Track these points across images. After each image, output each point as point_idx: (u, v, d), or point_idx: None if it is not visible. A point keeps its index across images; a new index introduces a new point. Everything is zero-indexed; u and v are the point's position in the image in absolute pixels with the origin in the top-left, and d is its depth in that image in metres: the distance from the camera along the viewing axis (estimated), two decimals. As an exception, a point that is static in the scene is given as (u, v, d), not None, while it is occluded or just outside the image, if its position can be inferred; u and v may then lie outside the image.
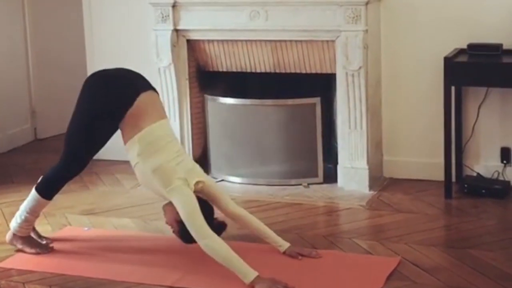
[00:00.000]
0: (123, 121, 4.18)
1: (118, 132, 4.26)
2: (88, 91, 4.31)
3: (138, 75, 4.38)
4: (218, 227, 4.07)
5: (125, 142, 4.24)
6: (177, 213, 4.03)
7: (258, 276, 3.83)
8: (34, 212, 4.41)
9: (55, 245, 4.52)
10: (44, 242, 4.50)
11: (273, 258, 4.14)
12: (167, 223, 4.23)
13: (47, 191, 4.39)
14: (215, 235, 3.94)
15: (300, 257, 4.21)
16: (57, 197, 5.34)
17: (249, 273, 3.83)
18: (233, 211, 4.26)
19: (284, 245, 4.25)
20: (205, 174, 4.30)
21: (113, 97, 4.22)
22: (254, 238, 4.21)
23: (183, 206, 4.00)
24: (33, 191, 4.40)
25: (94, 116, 4.22)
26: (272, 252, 4.19)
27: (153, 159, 4.10)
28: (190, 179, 4.10)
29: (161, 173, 4.08)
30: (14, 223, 4.44)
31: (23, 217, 4.40)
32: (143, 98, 4.20)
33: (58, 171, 4.34)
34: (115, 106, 4.19)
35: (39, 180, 4.42)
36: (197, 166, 4.27)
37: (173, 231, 4.19)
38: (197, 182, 4.14)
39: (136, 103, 4.16)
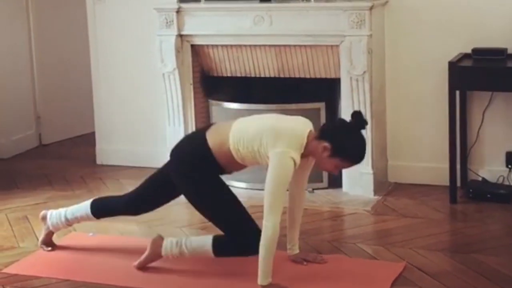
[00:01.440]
0: (222, 164, 4.07)
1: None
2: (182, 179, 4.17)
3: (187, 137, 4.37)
4: None
5: (243, 166, 4.10)
6: None
7: (270, 283, 3.86)
8: (75, 222, 4.55)
9: (61, 251, 4.52)
10: (48, 248, 4.54)
11: (278, 263, 4.13)
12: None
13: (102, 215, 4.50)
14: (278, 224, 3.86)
15: (305, 263, 4.21)
16: (62, 203, 5.37)
17: (268, 278, 3.85)
18: (300, 188, 4.18)
19: (295, 250, 4.26)
20: None
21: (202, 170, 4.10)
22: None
23: (279, 174, 3.84)
24: (89, 206, 4.46)
25: (208, 191, 4.10)
26: (278, 257, 4.18)
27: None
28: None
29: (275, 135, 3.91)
30: (58, 218, 4.51)
31: (68, 220, 4.50)
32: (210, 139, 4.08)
33: None
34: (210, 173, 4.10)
35: (98, 204, 4.47)
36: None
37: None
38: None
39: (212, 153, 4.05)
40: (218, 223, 4.09)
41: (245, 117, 4.17)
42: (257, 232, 3.91)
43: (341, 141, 3.90)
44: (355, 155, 3.94)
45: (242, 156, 3.98)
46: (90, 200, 4.49)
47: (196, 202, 4.13)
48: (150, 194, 4.33)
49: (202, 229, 4.72)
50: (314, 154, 3.95)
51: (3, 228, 4.97)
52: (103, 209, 4.45)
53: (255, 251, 3.86)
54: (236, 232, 4.01)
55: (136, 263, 4.22)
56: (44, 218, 4.56)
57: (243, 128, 4.00)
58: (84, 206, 4.47)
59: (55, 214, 4.54)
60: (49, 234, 4.57)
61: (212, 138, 4.05)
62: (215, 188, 4.08)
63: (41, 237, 4.59)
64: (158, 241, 4.18)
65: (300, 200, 4.20)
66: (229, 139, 3.99)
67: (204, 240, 4.10)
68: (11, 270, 4.30)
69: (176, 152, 4.19)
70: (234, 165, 4.09)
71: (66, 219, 4.50)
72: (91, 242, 4.68)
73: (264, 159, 3.92)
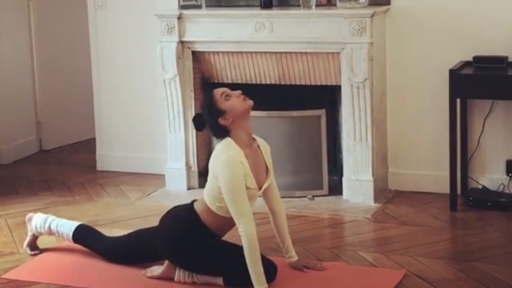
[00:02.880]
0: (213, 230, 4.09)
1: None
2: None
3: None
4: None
5: (231, 222, 4.01)
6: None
7: None
8: (55, 234, 4.55)
9: (60, 257, 4.52)
10: (32, 252, 4.57)
11: (278, 270, 4.12)
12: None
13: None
14: (252, 218, 3.89)
15: (305, 270, 4.20)
16: (62, 209, 5.38)
17: (263, 283, 3.85)
18: (275, 203, 4.20)
19: (294, 257, 4.25)
20: None
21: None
22: (261, 249, 4.19)
23: (227, 178, 3.89)
24: (74, 228, 4.47)
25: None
26: (278, 264, 4.18)
27: None
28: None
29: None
30: (42, 223, 4.52)
31: (50, 229, 4.51)
32: None
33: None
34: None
35: (82, 231, 4.49)
36: None
37: None
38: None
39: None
40: (224, 269, 4.06)
41: None
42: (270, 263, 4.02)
43: (205, 112, 4.07)
44: (210, 99, 4.04)
45: (223, 207, 3.98)
46: (77, 224, 4.51)
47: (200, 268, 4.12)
48: (133, 253, 4.31)
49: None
50: (236, 122, 3.99)
51: (3, 233, 4.96)
52: (83, 238, 4.48)
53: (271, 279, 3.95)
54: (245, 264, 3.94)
55: (148, 274, 4.21)
56: (29, 220, 4.58)
57: (206, 189, 4.06)
58: (69, 226, 4.50)
59: (41, 218, 4.55)
60: (33, 237, 4.58)
61: (199, 208, 4.07)
62: (210, 249, 4.06)
63: (26, 239, 4.60)
64: (172, 266, 4.15)
65: (277, 207, 4.21)
66: (206, 201, 4.03)
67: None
68: (11, 275, 4.30)
69: (168, 234, 4.13)
70: (224, 225, 4.06)
71: (49, 228, 4.52)
72: (90, 248, 4.68)
73: None
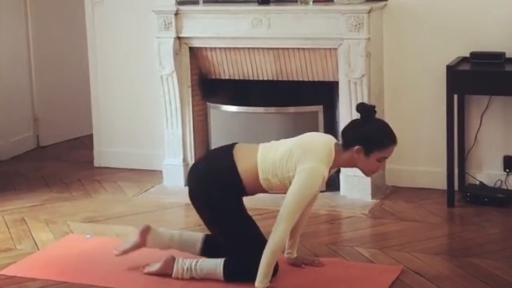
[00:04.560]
0: (248, 190, 4.02)
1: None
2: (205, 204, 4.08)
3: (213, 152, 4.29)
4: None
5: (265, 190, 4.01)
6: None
7: (267, 286, 3.85)
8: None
9: (57, 253, 4.52)
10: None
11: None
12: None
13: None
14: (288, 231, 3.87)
15: (303, 266, 4.21)
16: (61, 204, 5.38)
17: (266, 281, 3.84)
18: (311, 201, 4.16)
19: (293, 254, 4.26)
20: None
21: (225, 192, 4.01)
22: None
23: (305, 189, 3.83)
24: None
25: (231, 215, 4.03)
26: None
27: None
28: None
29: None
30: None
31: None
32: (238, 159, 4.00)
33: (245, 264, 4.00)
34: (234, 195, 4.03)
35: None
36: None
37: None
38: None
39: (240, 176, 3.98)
40: (236, 247, 4.03)
41: (269, 142, 4.10)
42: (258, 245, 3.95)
43: (366, 136, 3.88)
44: (386, 137, 3.93)
45: (271, 184, 3.95)
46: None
47: (217, 224, 4.07)
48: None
49: (199, 232, 4.70)
50: (351, 164, 3.94)
51: (0, 230, 4.96)
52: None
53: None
54: (254, 258, 3.89)
55: (145, 270, 4.20)
56: (146, 232, 4.27)
57: (270, 156, 3.95)
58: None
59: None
60: (138, 247, 4.29)
61: (241, 164, 3.98)
62: (238, 213, 4.02)
63: (126, 245, 4.29)
64: (169, 262, 4.14)
65: (307, 212, 4.18)
66: (258, 168, 3.95)
67: (214, 266, 4.07)
68: (8, 272, 4.29)
69: (204, 175, 4.05)
70: (260, 190, 4.04)
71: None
72: (88, 244, 4.68)
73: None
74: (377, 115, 5.34)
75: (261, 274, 3.84)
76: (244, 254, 3.98)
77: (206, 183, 4.02)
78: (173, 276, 4.12)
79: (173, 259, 4.15)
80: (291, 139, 4.05)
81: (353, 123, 4.08)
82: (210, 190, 4.00)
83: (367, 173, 4.01)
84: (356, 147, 3.86)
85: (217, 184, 3.99)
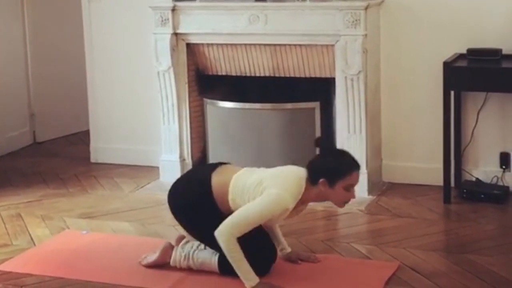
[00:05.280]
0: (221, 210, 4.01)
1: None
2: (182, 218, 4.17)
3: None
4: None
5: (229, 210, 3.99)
6: None
7: (259, 282, 3.84)
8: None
9: (54, 249, 4.51)
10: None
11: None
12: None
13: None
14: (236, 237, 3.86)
15: (299, 262, 4.21)
16: (57, 200, 5.37)
17: (252, 278, 3.83)
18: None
19: (287, 249, 4.25)
20: None
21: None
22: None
23: (265, 210, 3.84)
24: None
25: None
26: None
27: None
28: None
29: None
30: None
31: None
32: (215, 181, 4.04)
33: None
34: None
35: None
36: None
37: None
38: None
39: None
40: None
41: (253, 168, 4.13)
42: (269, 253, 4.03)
43: (326, 168, 3.91)
44: (344, 165, 3.94)
45: (238, 207, 3.94)
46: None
47: (199, 234, 4.10)
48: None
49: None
50: (322, 197, 3.96)
51: (-3, 225, 4.97)
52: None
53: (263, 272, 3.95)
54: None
55: (143, 262, 4.22)
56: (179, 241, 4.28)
57: (243, 179, 3.98)
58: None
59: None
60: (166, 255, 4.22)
61: (215, 178, 4.02)
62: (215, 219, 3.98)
63: (155, 256, 4.23)
64: (168, 250, 4.16)
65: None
66: (228, 187, 3.98)
67: (210, 256, 4.08)
68: (4, 267, 4.29)
69: (179, 195, 4.14)
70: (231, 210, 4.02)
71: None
72: (84, 240, 4.67)
73: None
74: (374, 112, 5.39)
75: (240, 274, 3.84)
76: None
77: (182, 196, 4.10)
78: (171, 263, 4.13)
79: (171, 247, 4.16)
80: (269, 169, 4.08)
81: (315, 158, 4.10)
82: (185, 199, 4.07)
83: (339, 204, 4.01)
84: (321, 180, 3.89)
85: (190, 194, 4.05)
